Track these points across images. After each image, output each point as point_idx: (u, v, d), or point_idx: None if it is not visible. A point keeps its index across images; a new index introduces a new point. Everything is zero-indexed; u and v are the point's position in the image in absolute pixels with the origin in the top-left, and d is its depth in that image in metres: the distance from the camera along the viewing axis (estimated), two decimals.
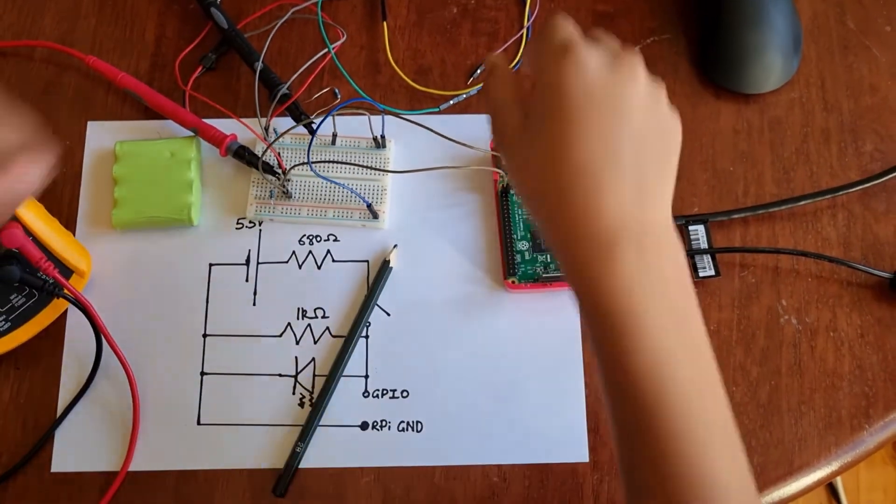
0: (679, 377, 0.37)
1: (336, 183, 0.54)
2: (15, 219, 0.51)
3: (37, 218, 0.52)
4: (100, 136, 0.59)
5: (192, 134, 0.57)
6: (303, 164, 0.53)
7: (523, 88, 0.41)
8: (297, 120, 0.57)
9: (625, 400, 0.37)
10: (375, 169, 0.55)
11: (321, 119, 0.51)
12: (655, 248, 0.38)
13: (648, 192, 0.39)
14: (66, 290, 0.52)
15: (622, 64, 0.39)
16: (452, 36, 0.61)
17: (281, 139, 0.56)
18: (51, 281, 0.52)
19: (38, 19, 0.62)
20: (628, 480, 0.39)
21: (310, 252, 0.56)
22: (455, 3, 0.62)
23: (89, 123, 0.59)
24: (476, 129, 0.58)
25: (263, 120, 0.56)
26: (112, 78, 0.59)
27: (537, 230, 0.55)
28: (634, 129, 0.39)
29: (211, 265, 0.56)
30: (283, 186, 0.55)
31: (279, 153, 0.56)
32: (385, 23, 0.60)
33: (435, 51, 0.61)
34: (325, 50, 0.56)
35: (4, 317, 0.52)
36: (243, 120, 0.57)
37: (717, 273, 0.54)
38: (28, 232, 0.51)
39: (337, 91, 0.58)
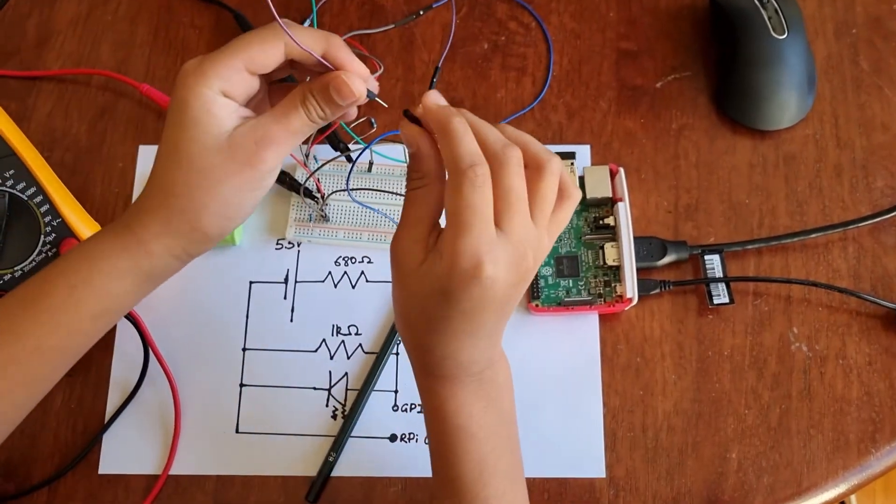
0: (498, 471, 0.45)
1: (372, 209, 0.57)
2: (73, 235, 0.55)
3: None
4: (150, 159, 0.62)
5: None
6: (342, 190, 0.57)
7: (430, 223, 0.41)
8: (336, 148, 0.60)
9: (452, 491, 0.44)
10: None
11: (360, 150, 0.54)
12: (490, 376, 0.45)
13: (497, 340, 0.44)
14: None
15: (524, 263, 0.40)
16: (483, 70, 0.65)
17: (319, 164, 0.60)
18: None
19: (95, 49, 0.66)
20: None
21: (345, 272, 0.59)
22: (486, 39, 0.65)
23: (141, 147, 0.63)
24: None
25: (304, 147, 0.60)
26: (163, 105, 0.63)
27: (559, 259, 0.58)
28: (508, 306, 0.42)
29: (251, 283, 0.59)
30: (322, 210, 0.59)
31: (318, 179, 0.59)
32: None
33: (466, 84, 0.64)
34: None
35: None
36: None
37: (732, 301, 0.57)
38: None
39: (373, 120, 0.62)
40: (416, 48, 0.65)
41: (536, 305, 0.57)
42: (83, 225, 0.55)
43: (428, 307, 0.41)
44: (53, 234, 0.54)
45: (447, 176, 0.40)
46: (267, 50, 0.41)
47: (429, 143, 0.41)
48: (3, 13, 0.66)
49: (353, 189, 0.58)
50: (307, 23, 0.66)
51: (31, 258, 0.54)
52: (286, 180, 0.60)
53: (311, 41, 0.40)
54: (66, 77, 0.66)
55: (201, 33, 0.67)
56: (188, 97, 0.40)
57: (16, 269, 0.54)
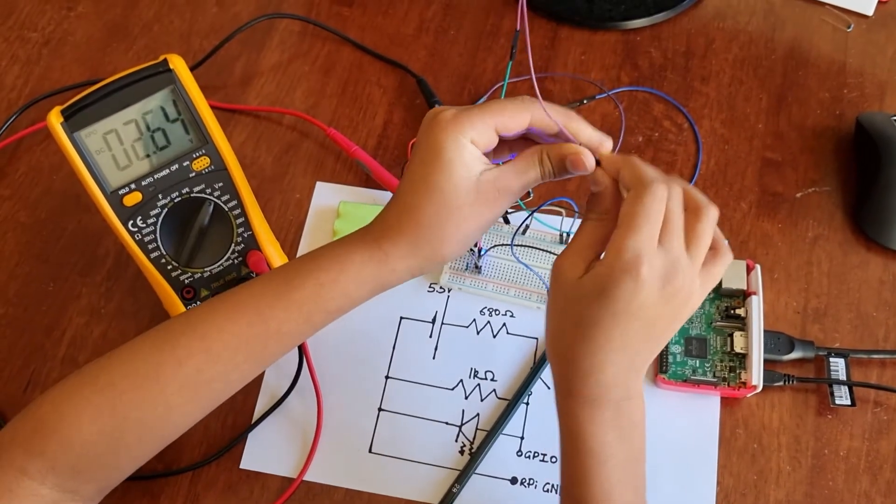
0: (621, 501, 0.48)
1: (528, 268, 0.62)
2: (258, 248, 0.61)
3: (274, 252, 0.62)
4: (325, 194, 0.70)
5: None
6: (503, 245, 0.63)
7: (596, 251, 0.47)
8: None
9: None
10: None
11: (526, 215, 0.60)
12: (628, 409, 0.48)
13: (639, 369, 0.48)
14: None
15: (674, 280, 0.44)
16: None
17: None
18: None
19: (290, 93, 0.74)
20: None
21: (488, 322, 0.64)
22: (641, 133, 0.71)
23: (318, 183, 0.70)
24: None
25: None
26: (346, 148, 0.70)
27: (685, 340, 0.62)
28: (653, 329, 0.46)
29: (402, 318, 0.65)
30: (478, 263, 0.64)
31: None
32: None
33: None
34: None
35: None
36: None
37: (853, 404, 0.60)
38: (267, 262, 0.61)
39: (530, 190, 0.68)
40: None
41: (663, 378, 0.61)
42: (268, 241, 0.62)
43: (581, 312, 0.45)
44: (242, 245, 0.61)
45: (628, 193, 0.46)
46: (517, 118, 0.47)
47: (612, 184, 0.48)
48: (217, 54, 0.75)
49: (514, 245, 0.63)
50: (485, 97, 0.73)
51: (219, 262, 0.61)
52: None
53: (556, 114, 0.47)
54: (261, 113, 0.74)
55: (385, 92, 0.74)
56: (444, 141, 0.47)
57: (206, 269, 0.61)
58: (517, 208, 0.66)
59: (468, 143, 0.47)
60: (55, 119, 0.57)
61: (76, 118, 0.57)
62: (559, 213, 0.63)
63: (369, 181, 0.70)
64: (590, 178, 0.48)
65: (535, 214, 0.66)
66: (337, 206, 0.68)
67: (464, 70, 0.75)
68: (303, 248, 0.68)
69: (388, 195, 0.69)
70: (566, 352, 0.47)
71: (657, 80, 0.74)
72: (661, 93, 0.73)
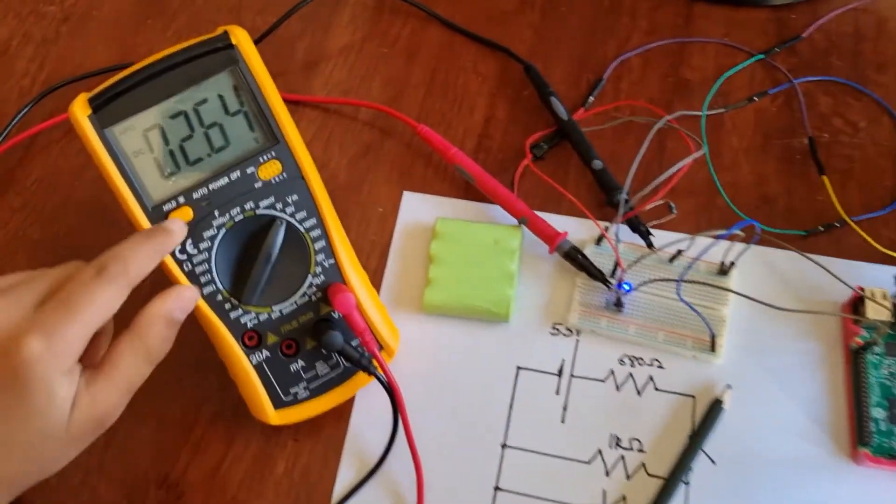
0: None
1: (693, 309, 0.48)
2: (342, 280, 0.47)
3: (361, 286, 0.48)
4: (415, 207, 0.56)
5: (515, 223, 0.53)
6: (661, 280, 0.48)
7: None
8: (636, 231, 0.52)
9: None
10: (740, 295, 0.49)
11: (699, 249, 0.46)
12: None
13: None
14: (379, 369, 0.47)
15: None
16: (801, 168, 0.56)
17: (611, 247, 0.52)
18: (367, 355, 0.47)
19: (366, 81, 0.60)
20: None
21: (630, 374, 0.50)
22: (805, 135, 0.57)
23: (405, 193, 0.56)
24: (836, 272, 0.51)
25: (603, 224, 0.52)
26: (442, 151, 0.56)
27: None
28: None
29: (519, 368, 0.51)
30: (619, 298, 0.50)
31: (623, 264, 0.51)
32: (824, 177, 0.55)
33: (779, 179, 0.56)
34: (682, 163, 0.51)
35: (305, 384, 0.48)
36: (573, 219, 0.53)
37: None
38: (356, 299, 0.47)
39: (672, 205, 0.54)
40: (724, 132, 0.57)
41: (868, 453, 0.47)
42: (353, 271, 0.48)
43: None
44: (322, 277, 0.47)
45: None
46: (115, 307, 0.40)
47: None
48: (274, 33, 0.61)
49: (679, 281, 0.48)
50: (597, 91, 0.59)
51: (292, 300, 0.47)
52: (577, 258, 0.51)
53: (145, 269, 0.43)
54: (330, 106, 0.60)
55: (484, 81, 0.60)
56: (35, 385, 0.37)
57: (274, 308, 0.47)
58: (668, 228, 0.52)
59: (64, 377, 0.38)
60: (81, 111, 0.43)
61: (108, 110, 0.43)
62: (730, 240, 0.49)
63: (470, 191, 0.56)
64: None
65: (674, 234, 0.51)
66: (433, 223, 0.54)
67: (579, 54, 0.61)
68: (389, 277, 0.54)
69: (495, 209, 0.55)
70: None
71: (821, 68, 0.60)
72: (841, 79, 0.58)
